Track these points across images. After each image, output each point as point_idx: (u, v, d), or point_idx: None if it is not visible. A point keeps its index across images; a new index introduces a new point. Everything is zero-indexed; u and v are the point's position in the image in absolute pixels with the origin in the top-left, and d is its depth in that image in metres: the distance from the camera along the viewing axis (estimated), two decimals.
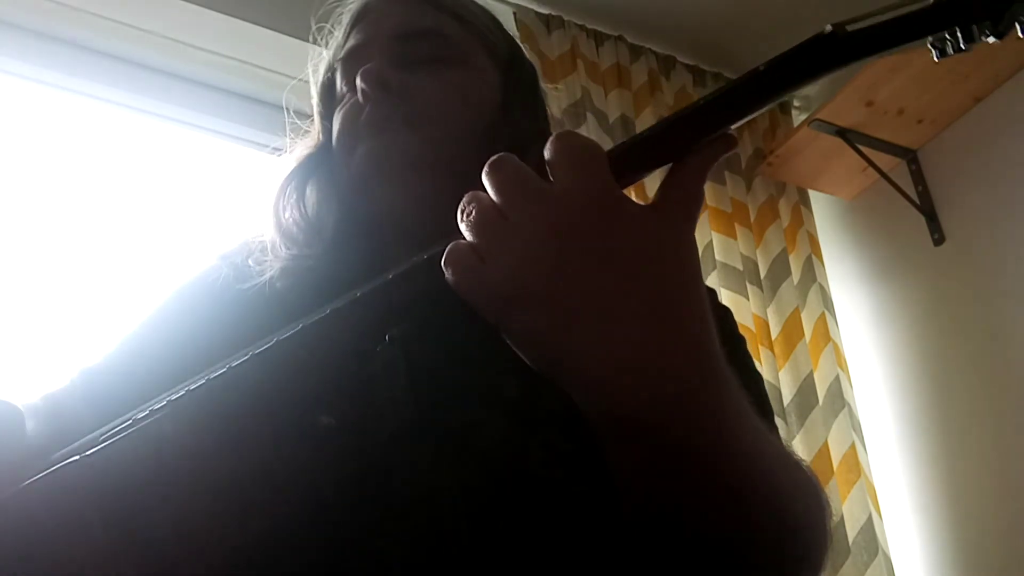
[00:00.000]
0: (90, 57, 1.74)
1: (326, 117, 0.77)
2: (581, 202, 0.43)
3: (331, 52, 0.78)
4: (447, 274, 0.44)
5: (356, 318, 0.47)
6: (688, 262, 0.45)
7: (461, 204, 0.46)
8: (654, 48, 2.16)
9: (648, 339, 0.42)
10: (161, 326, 0.73)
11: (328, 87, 0.77)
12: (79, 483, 0.45)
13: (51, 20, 1.69)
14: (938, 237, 1.94)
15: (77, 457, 0.45)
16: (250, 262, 0.71)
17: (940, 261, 1.93)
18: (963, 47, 0.42)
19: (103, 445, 0.47)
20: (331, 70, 0.77)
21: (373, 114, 0.69)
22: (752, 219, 2.08)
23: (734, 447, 0.44)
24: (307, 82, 0.82)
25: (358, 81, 0.69)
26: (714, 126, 0.46)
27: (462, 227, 0.45)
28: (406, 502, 0.54)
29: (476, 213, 0.44)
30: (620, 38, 2.12)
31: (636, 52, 2.12)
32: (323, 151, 0.76)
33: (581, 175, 0.43)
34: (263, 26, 1.78)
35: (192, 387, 0.50)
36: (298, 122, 0.83)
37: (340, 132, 0.73)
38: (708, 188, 2.02)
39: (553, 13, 2.03)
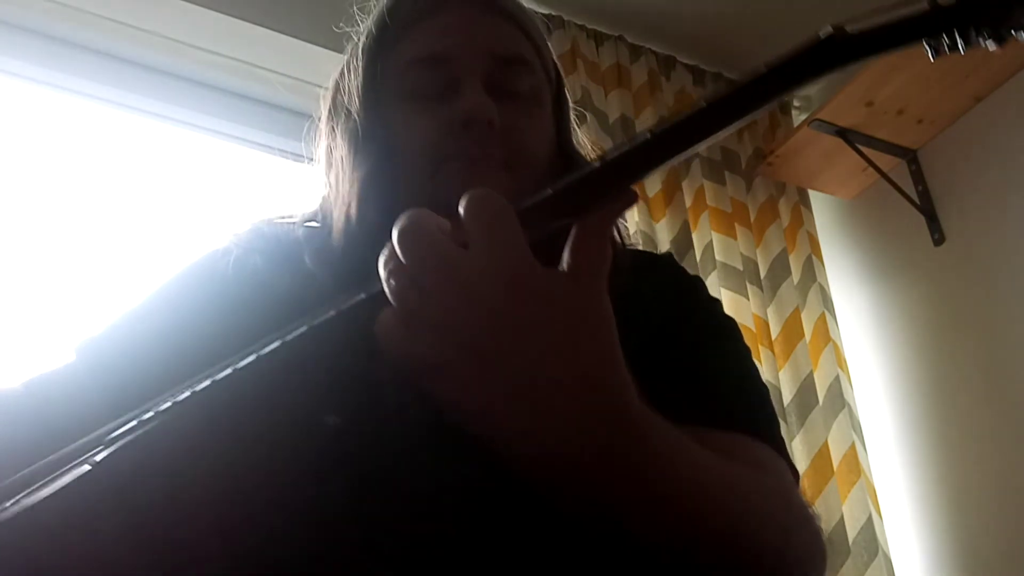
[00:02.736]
0: (90, 57, 1.74)
1: (372, 107, 0.73)
2: (493, 275, 0.43)
3: (375, 31, 0.74)
4: (381, 345, 0.45)
5: (363, 319, 0.47)
6: (600, 324, 0.46)
7: (381, 259, 0.46)
8: (654, 48, 2.16)
9: (561, 405, 0.44)
10: (167, 304, 0.73)
11: (376, 73, 0.73)
12: (88, 494, 0.45)
13: (51, 20, 1.69)
14: (938, 237, 1.94)
15: (88, 467, 0.45)
16: (306, 260, 0.70)
17: (940, 261, 1.93)
18: (960, 50, 0.42)
19: (110, 449, 0.47)
20: (380, 55, 0.73)
21: (474, 148, 0.67)
22: (752, 219, 2.08)
23: (664, 489, 0.48)
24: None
25: (465, 109, 0.67)
26: (717, 127, 0.46)
27: (384, 287, 0.45)
28: (413, 500, 0.54)
29: (394, 282, 0.45)
30: (620, 38, 2.12)
31: (636, 52, 2.12)
32: (378, 148, 0.72)
33: (494, 245, 0.44)
34: (263, 26, 1.78)
35: (197, 387, 0.51)
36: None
37: (422, 145, 0.69)
38: (708, 188, 2.02)
39: (553, 13, 2.03)
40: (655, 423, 0.48)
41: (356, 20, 0.79)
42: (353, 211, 0.71)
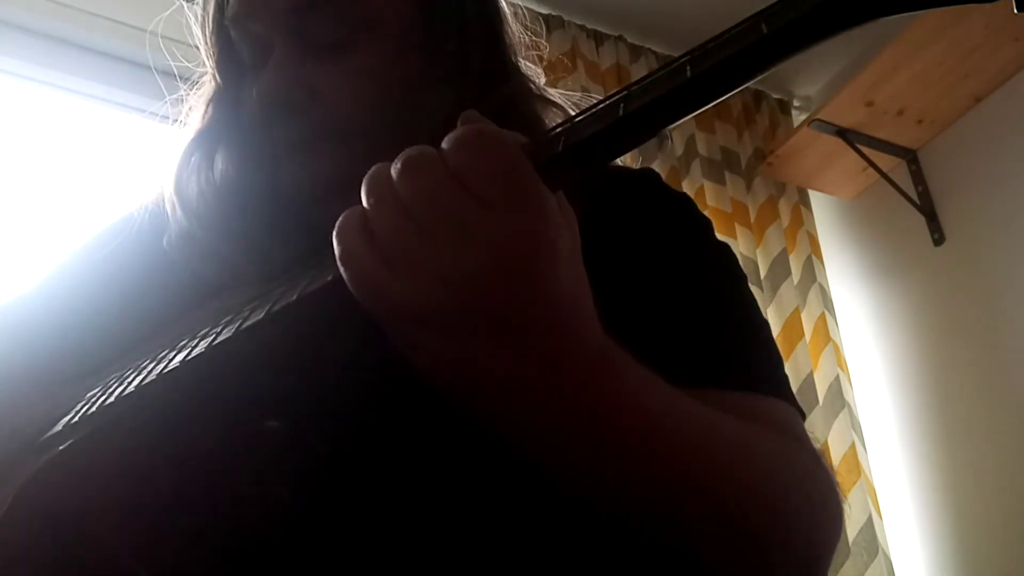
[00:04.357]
0: (90, 57, 1.74)
1: (224, 68, 0.66)
2: (525, 247, 0.38)
3: None
4: (346, 277, 0.40)
5: (294, 322, 0.45)
6: (576, 251, 0.42)
7: (368, 183, 0.40)
8: (654, 48, 2.16)
9: (547, 350, 0.41)
10: (68, 278, 0.71)
11: (219, 29, 0.65)
12: (21, 514, 0.44)
13: (51, 20, 1.69)
14: (938, 237, 1.94)
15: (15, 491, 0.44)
16: (164, 241, 0.66)
17: (940, 261, 1.93)
18: (1015, 11, 0.36)
19: (39, 469, 0.46)
20: (218, 10, 0.65)
21: (289, 130, 0.60)
22: (752, 219, 2.08)
23: (640, 433, 0.44)
24: None
25: (258, 93, 0.60)
26: (699, 105, 0.40)
27: (370, 214, 0.40)
28: (367, 500, 0.53)
29: (391, 218, 0.39)
30: (620, 38, 2.12)
31: (636, 52, 2.12)
32: (228, 109, 0.66)
33: (527, 212, 0.38)
34: None
35: (125, 393, 0.49)
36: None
37: (253, 127, 0.63)
38: (708, 188, 2.02)
39: (553, 13, 2.03)
40: (629, 363, 0.45)
41: None
42: (173, 182, 0.66)
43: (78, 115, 1.76)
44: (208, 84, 0.69)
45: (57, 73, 1.71)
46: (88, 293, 0.68)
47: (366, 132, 0.60)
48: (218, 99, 0.67)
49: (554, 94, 0.69)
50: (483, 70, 0.64)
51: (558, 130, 0.42)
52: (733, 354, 0.59)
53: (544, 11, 2.01)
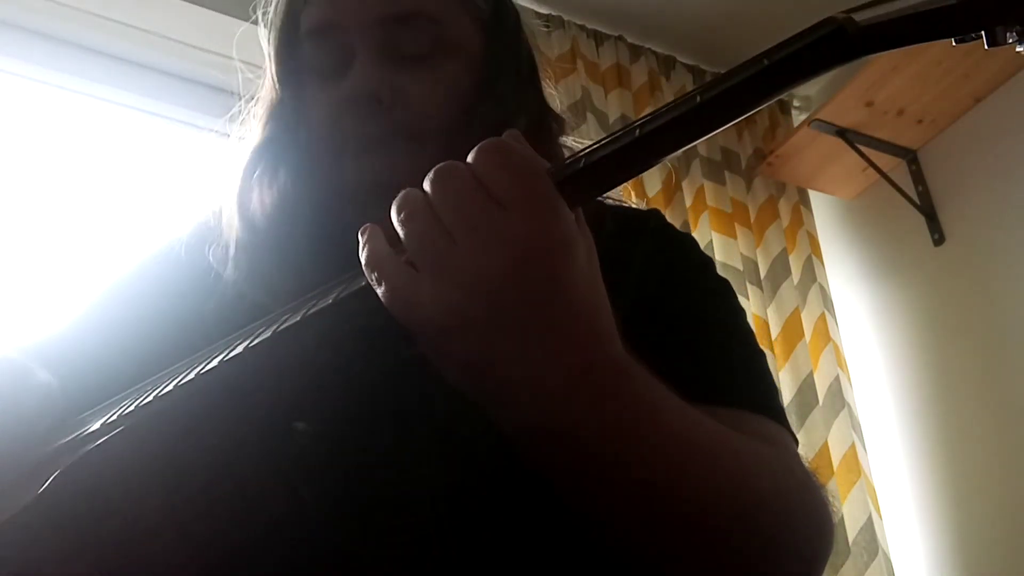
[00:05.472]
0: (90, 57, 1.74)
1: (287, 79, 0.70)
2: (540, 247, 0.41)
3: (280, 3, 0.70)
4: (377, 285, 0.43)
5: (328, 325, 0.47)
6: (596, 265, 0.45)
7: (400, 199, 0.43)
8: (654, 48, 2.16)
9: (571, 356, 0.43)
10: (121, 301, 0.72)
11: (288, 42, 0.69)
12: (54, 507, 0.44)
13: (51, 20, 1.69)
14: (938, 237, 1.94)
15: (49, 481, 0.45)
16: (209, 255, 0.68)
17: (940, 261, 1.93)
18: (986, 47, 0.39)
19: (75, 460, 0.46)
20: (289, 23, 0.69)
21: (368, 128, 0.64)
22: (752, 219, 2.08)
23: (656, 440, 0.46)
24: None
25: (350, 87, 0.64)
26: (708, 129, 0.44)
27: (398, 227, 0.43)
28: (386, 509, 0.53)
29: (420, 225, 0.42)
30: (620, 38, 2.12)
31: (636, 52, 2.12)
32: (289, 122, 0.70)
33: (541, 213, 0.41)
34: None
35: (161, 392, 0.50)
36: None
37: (321, 129, 0.67)
38: (708, 188, 2.02)
39: (553, 13, 2.03)
40: (646, 376, 0.47)
41: None
42: (237, 192, 0.69)
43: (88, 118, 1.76)
44: (266, 97, 0.73)
45: (60, 74, 1.71)
46: (131, 325, 0.69)
47: (439, 136, 0.65)
48: (278, 112, 0.71)
49: (570, 142, 0.75)
50: (531, 106, 0.71)
51: (582, 152, 0.45)
52: (735, 376, 0.63)
53: (544, 11, 2.01)
